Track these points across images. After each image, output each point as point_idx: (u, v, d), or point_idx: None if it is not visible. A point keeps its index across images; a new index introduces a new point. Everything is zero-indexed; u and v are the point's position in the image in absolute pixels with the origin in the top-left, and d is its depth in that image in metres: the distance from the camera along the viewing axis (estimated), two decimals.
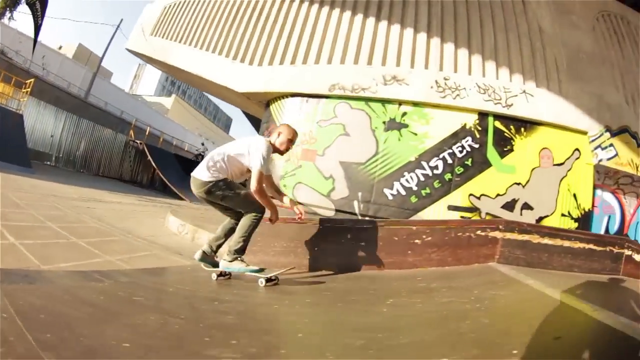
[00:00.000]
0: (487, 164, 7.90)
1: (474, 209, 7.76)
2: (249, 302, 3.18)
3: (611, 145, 8.15)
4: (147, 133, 25.09)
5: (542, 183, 7.89)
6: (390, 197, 7.90)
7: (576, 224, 7.91)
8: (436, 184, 7.86)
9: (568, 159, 8.03)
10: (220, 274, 3.81)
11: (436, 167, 7.89)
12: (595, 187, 8.20)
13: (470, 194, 7.80)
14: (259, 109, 10.69)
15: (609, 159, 8.11)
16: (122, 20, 29.24)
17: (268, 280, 3.57)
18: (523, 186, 7.85)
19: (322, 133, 8.46)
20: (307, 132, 8.57)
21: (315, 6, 9.40)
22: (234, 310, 2.76)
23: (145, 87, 68.01)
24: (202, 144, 30.41)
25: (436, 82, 8.06)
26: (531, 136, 8.03)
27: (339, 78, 8.47)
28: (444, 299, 3.36)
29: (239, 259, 3.61)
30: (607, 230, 8.26)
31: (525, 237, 5.74)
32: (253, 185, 3.52)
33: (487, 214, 7.76)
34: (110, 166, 20.59)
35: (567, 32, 8.84)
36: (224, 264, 3.63)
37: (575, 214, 7.95)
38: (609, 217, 8.33)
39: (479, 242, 5.53)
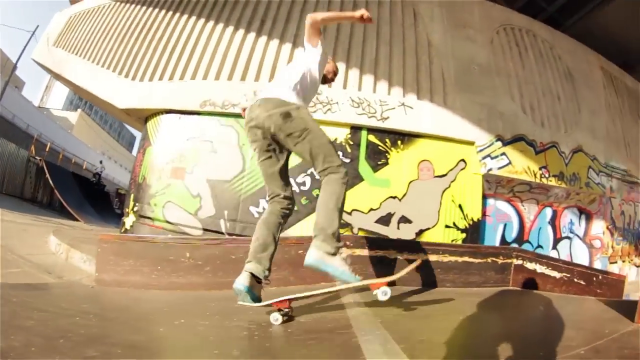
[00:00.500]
0: (358, 179, 7.39)
1: (344, 225, 7.16)
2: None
3: (503, 154, 7.79)
4: (47, 149, 23.31)
5: (422, 195, 7.40)
6: (257, 215, 7.35)
7: (464, 235, 7.45)
8: (303, 201, 7.29)
9: (451, 170, 7.57)
10: (285, 315, 2.57)
11: (303, 184, 7.37)
12: (486, 197, 7.83)
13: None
14: (140, 126, 10.18)
15: (500, 168, 7.70)
16: (37, 26, 25.01)
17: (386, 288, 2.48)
18: (400, 199, 7.34)
19: (192, 150, 8.00)
20: (178, 149, 8.08)
21: (201, 21, 9.12)
22: None
23: (54, 100, 62.87)
24: (101, 162, 28.67)
25: None
26: (409, 149, 7.57)
27: (211, 94, 8.06)
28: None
29: (340, 251, 2.44)
30: (503, 238, 7.99)
31: (380, 253, 5.21)
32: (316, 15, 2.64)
33: (359, 229, 7.11)
34: (12, 183, 18.55)
35: (460, 45, 8.53)
36: (320, 258, 2.41)
37: (462, 224, 7.46)
38: (505, 225, 8.02)
39: None
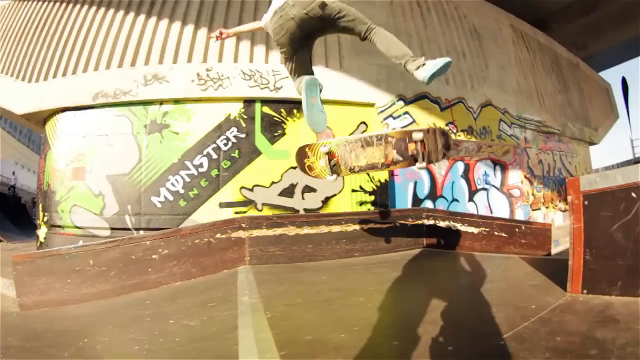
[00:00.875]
0: (256, 153, 7.21)
1: (247, 202, 7.02)
2: None
3: (406, 113, 7.80)
4: None
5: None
6: (159, 205, 7.04)
7: (372, 197, 7.41)
8: (203, 183, 7.05)
9: (352, 133, 7.41)
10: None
11: (201, 165, 7.11)
12: None
13: (242, 187, 7.08)
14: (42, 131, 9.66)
15: (404, 127, 7.61)
16: None
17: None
18: None
19: (89, 147, 7.55)
20: (76, 149, 7.65)
21: (92, 9, 8.56)
22: None
23: None
24: (13, 173, 26.99)
25: (198, 74, 7.35)
26: None
27: (103, 85, 7.63)
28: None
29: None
30: (415, 196, 8.00)
31: (278, 231, 5.05)
32: None
33: (263, 204, 6.93)
34: None
35: (357, 7, 8.33)
36: (429, 68, 2.65)
37: (369, 187, 7.42)
38: (415, 182, 8.02)
39: (222, 245, 4.82)
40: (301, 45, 3.00)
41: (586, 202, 2.58)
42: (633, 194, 2.32)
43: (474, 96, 8.90)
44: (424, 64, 2.67)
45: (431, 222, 5.89)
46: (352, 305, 2.80)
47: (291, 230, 5.06)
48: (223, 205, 6.95)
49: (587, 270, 2.54)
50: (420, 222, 5.89)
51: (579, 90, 14.88)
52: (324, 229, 5.20)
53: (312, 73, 3.18)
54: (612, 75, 36.28)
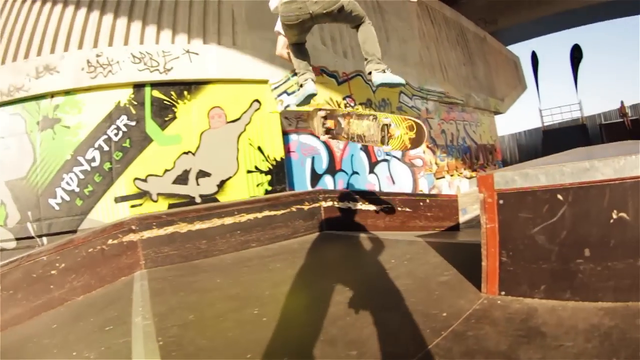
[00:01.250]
0: (147, 141, 6.74)
1: (142, 194, 6.59)
2: None
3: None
4: None
5: (217, 145, 7.00)
6: (57, 208, 6.42)
7: (269, 177, 7.24)
8: (97, 178, 6.51)
9: (245, 112, 7.23)
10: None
11: (93, 159, 6.54)
12: (288, 133, 7.68)
13: (136, 179, 6.61)
14: None
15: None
16: None
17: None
18: (193, 154, 6.85)
19: None
20: None
21: None
22: None
23: None
24: None
25: (88, 62, 6.74)
26: (197, 98, 7.05)
27: None
28: None
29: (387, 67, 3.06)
30: (313, 171, 7.92)
31: (169, 229, 4.69)
32: None
33: (158, 195, 6.63)
34: None
35: None
36: (385, 77, 2.98)
37: (265, 166, 7.24)
38: (313, 158, 7.94)
39: (115, 252, 4.41)
40: (307, 28, 3.21)
41: (501, 202, 2.32)
42: (559, 196, 2.14)
43: None
44: (384, 71, 2.99)
45: (329, 203, 5.80)
46: (245, 321, 2.57)
47: (183, 227, 4.76)
48: (118, 199, 6.50)
49: (505, 272, 2.32)
50: (317, 204, 5.76)
51: (485, 63, 15.59)
52: (216, 222, 4.95)
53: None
54: (521, 50, 38.36)
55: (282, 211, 5.43)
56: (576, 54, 20.77)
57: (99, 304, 3.63)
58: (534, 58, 21.55)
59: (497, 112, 16.29)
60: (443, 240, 4.44)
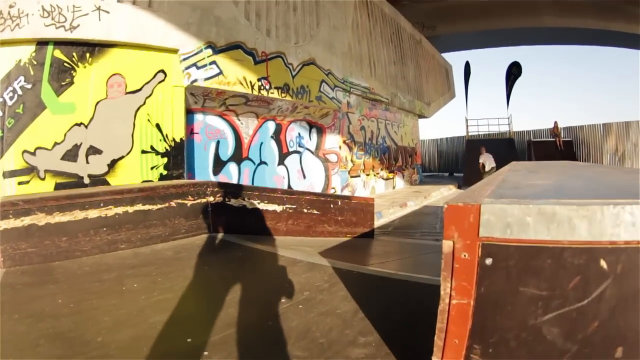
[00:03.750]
0: (41, 107, 5.82)
1: (30, 170, 5.70)
2: None
3: (213, 63, 7.05)
4: None
5: (112, 118, 6.24)
6: None
7: (165, 159, 6.58)
8: None
9: (147, 83, 6.49)
10: None
11: None
12: (192, 112, 7.12)
13: (24, 151, 5.65)
14: None
15: (208, 79, 6.97)
16: None
17: None
18: (86, 126, 6.05)
19: None
20: None
21: None
22: None
23: None
24: None
25: (0, 12, 5.94)
26: (98, 62, 6.18)
27: None
28: None
29: None
30: (217, 157, 7.41)
31: (26, 220, 3.79)
32: None
33: (46, 172, 5.87)
34: None
35: None
36: None
37: (162, 147, 6.58)
38: (218, 142, 7.44)
39: None
40: None
41: (488, 261, 1.33)
42: (603, 263, 1.23)
43: (297, 52, 8.63)
44: None
45: (219, 199, 5.10)
46: None
47: (41, 219, 3.93)
48: (6, 174, 5.55)
49: None
50: (203, 200, 5.04)
51: (416, 65, 15.94)
52: (78, 214, 4.09)
53: None
54: (457, 58, 40.07)
55: (159, 206, 4.64)
56: (514, 70, 21.77)
57: None
58: (467, 68, 22.40)
59: (421, 116, 16.77)
60: (360, 270, 3.30)
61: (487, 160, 12.27)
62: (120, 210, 4.35)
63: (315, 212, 5.08)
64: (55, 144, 5.91)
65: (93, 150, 6.14)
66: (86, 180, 6.02)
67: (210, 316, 2.35)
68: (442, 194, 12.13)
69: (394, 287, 2.68)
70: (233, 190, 5.24)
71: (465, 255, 1.34)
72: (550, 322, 1.30)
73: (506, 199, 1.40)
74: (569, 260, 1.27)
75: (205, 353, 1.90)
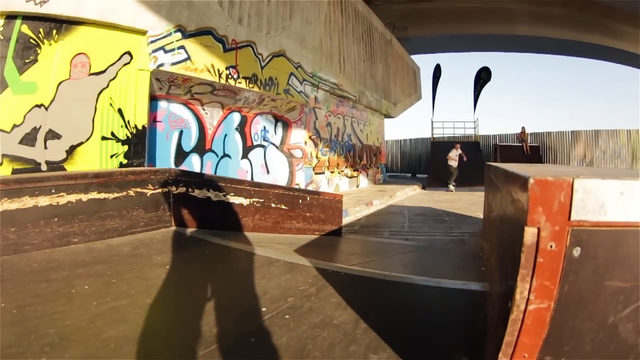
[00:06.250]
0: (3, 86, 5.59)
1: None
2: None
3: (182, 47, 6.98)
4: None
5: (73, 100, 6.06)
6: None
7: (126, 147, 6.45)
8: None
9: (112, 65, 6.35)
10: None
11: None
12: (157, 99, 7.02)
13: None
14: None
15: (175, 64, 6.89)
16: None
17: None
18: (46, 108, 5.84)
19: None
20: None
21: None
22: None
23: None
24: None
25: None
26: (64, 40, 5.99)
27: None
28: None
29: None
30: (179, 147, 7.34)
31: None
32: None
33: (3, 156, 5.44)
34: None
35: None
36: None
37: (123, 134, 6.45)
38: (181, 131, 7.37)
39: None
40: None
41: (576, 251, 1.10)
42: None
43: (267, 43, 8.70)
44: None
45: (181, 189, 4.85)
46: None
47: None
48: None
49: None
50: (165, 189, 4.76)
51: (385, 65, 16.32)
52: (28, 201, 3.68)
53: None
54: (426, 61, 40.98)
55: (116, 194, 4.28)
56: (483, 76, 22.36)
57: None
58: (437, 70, 22.95)
59: (388, 115, 17.18)
60: (347, 271, 2.94)
61: (452, 159, 12.93)
62: (73, 198, 4.00)
63: (284, 207, 4.93)
64: (15, 126, 5.71)
65: (52, 135, 5.95)
66: (44, 167, 5.84)
67: (176, 331, 2.01)
68: (406, 194, 12.48)
69: (392, 291, 2.43)
70: (197, 180, 4.97)
71: (552, 246, 1.10)
72: (627, 318, 1.13)
73: (594, 174, 1.19)
74: None
75: None
